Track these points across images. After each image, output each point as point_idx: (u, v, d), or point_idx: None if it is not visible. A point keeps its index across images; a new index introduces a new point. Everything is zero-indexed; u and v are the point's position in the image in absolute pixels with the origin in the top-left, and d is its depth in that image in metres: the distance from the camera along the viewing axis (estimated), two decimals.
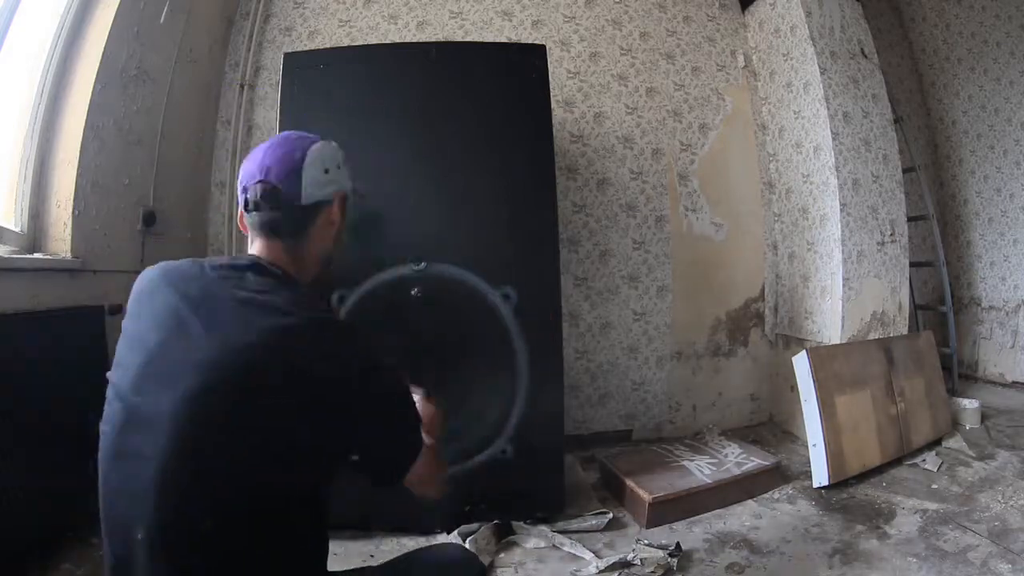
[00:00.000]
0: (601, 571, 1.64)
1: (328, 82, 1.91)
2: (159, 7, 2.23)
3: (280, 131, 1.86)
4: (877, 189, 2.79)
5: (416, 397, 0.95)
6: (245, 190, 0.87)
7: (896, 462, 2.37)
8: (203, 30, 2.59)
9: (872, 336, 2.69)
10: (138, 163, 2.20)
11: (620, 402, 2.89)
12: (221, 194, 2.72)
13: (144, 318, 0.78)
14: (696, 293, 3.00)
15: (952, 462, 2.39)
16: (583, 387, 2.85)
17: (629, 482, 2.04)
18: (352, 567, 0.95)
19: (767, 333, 3.13)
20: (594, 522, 1.91)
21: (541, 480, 1.93)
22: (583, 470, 2.42)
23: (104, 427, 0.76)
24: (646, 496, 1.94)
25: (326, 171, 0.89)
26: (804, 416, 2.31)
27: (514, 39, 2.90)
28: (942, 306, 3.46)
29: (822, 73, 2.76)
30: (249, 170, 0.87)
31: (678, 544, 1.75)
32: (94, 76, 1.91)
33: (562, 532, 1.84)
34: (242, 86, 2.76)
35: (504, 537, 1.82)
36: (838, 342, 2.62)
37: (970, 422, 2.83)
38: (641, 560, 1.66)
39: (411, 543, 1.81)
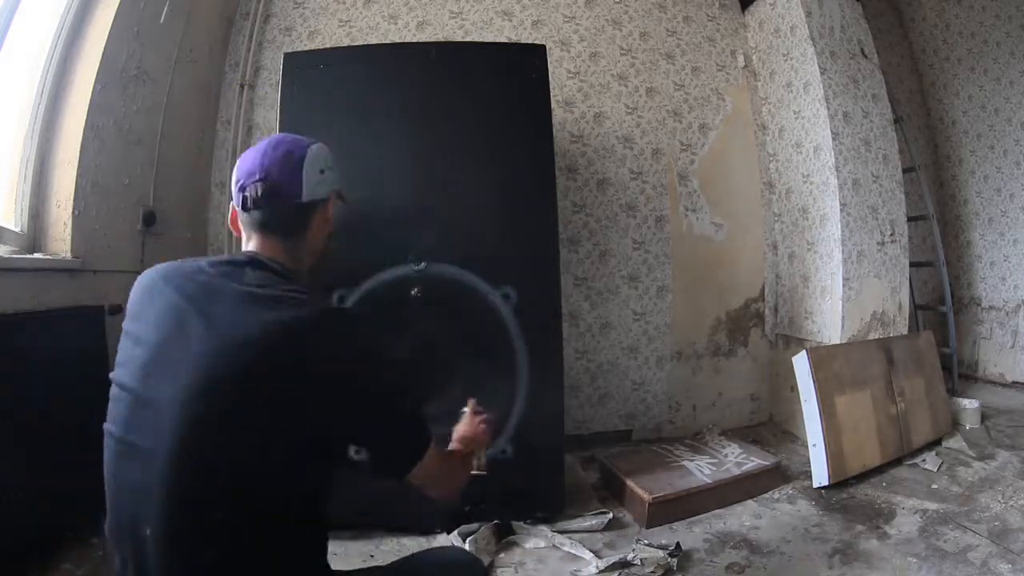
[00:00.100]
0: (601, 571, 1.64)
1: (328, 82, 1.91)
2: (159, 7, 2.23)
3: (280, 131, 1.87)
4: (877, 189, 2.79)
5: (465, 410, 0.99)
6: (243, 188, 0.87)
7: (896, 462, 2.37)
8: (203, 30, 2.59)
9: (872, 336, 2.69)
10: (138, 163, 2.20)
11: (620, 402, 2.89)
12: (221, 194, 2.72)
13: (145, 318, 0.78)
14: (696, 293, 3.00)
15: (952, 462, 2.38)
16: (583, 387, 2.85)
17: (629, 482, 2.04)
18: (352, 567, 0.95)
19: (767, 333, 3.13)
20: (594, 522, 1.91)
21: (541, 480, 1.93)
22: (583, 470, 2.42)
23: (108, 427, 0.76)
24: (646, 496, 1.94)
25: (322, 171, 0.90)
26: (804, 416, 2.31)
27: (514, 39, 2.90)
28: (942, 306, 3.46)
29: (822, 73, 2.76)
30: (247, 170, 0.87)
31: (678, 544, 1.75)
32: (94, 76, 1.91)
33: (562, 532, 1.84)
34: (242, 86, 2.76)
35: (504, 537, 1.82)
36: (838, 342, 2.62)
37: (970, 422, 2.83)
38: (641, 560, 1.66)
39: (411, 543, 1.81)
